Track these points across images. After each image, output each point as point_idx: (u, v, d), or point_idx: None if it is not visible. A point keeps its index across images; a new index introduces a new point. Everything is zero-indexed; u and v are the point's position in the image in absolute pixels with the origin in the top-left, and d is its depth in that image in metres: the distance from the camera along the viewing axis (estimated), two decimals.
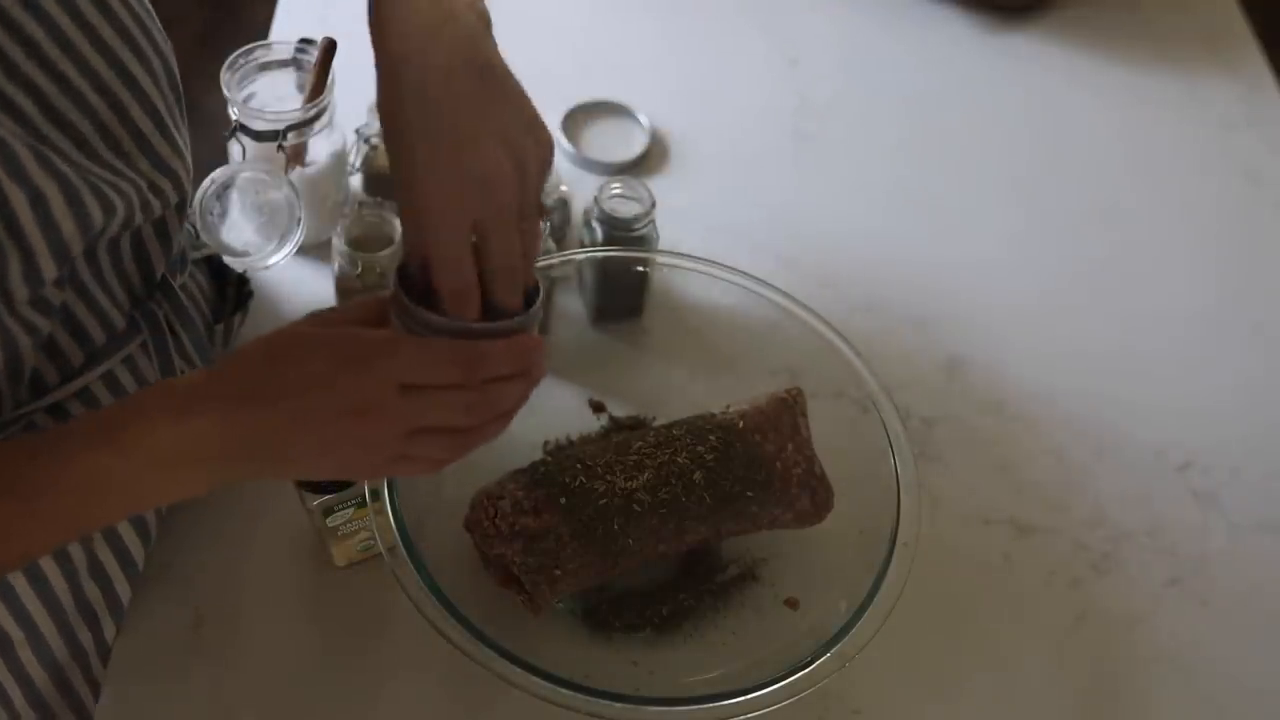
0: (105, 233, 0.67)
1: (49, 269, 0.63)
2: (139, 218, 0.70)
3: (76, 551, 0.75)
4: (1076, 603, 0.88)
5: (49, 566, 0.74)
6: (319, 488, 0.77)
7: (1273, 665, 0.87)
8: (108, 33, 0.67)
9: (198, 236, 0.86)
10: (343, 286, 0.94)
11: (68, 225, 0.63)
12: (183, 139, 0.74)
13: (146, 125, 0.70)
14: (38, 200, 0.61)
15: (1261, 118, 1.22)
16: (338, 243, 0.92)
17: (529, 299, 0.67)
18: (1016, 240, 1.11)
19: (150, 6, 0.72)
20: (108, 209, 0.65)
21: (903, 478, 0.80)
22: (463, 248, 0.63)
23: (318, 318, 0.65)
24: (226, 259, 0.88)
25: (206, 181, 0.85)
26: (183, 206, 0.76)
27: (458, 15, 0.65)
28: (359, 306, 0.66)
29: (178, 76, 0.74)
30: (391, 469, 0.69)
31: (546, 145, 0.66)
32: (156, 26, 0.72)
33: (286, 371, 0.62)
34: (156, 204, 0.71)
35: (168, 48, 0.73)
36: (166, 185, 0.72)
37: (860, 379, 0.84)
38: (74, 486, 0.61)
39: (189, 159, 0.75)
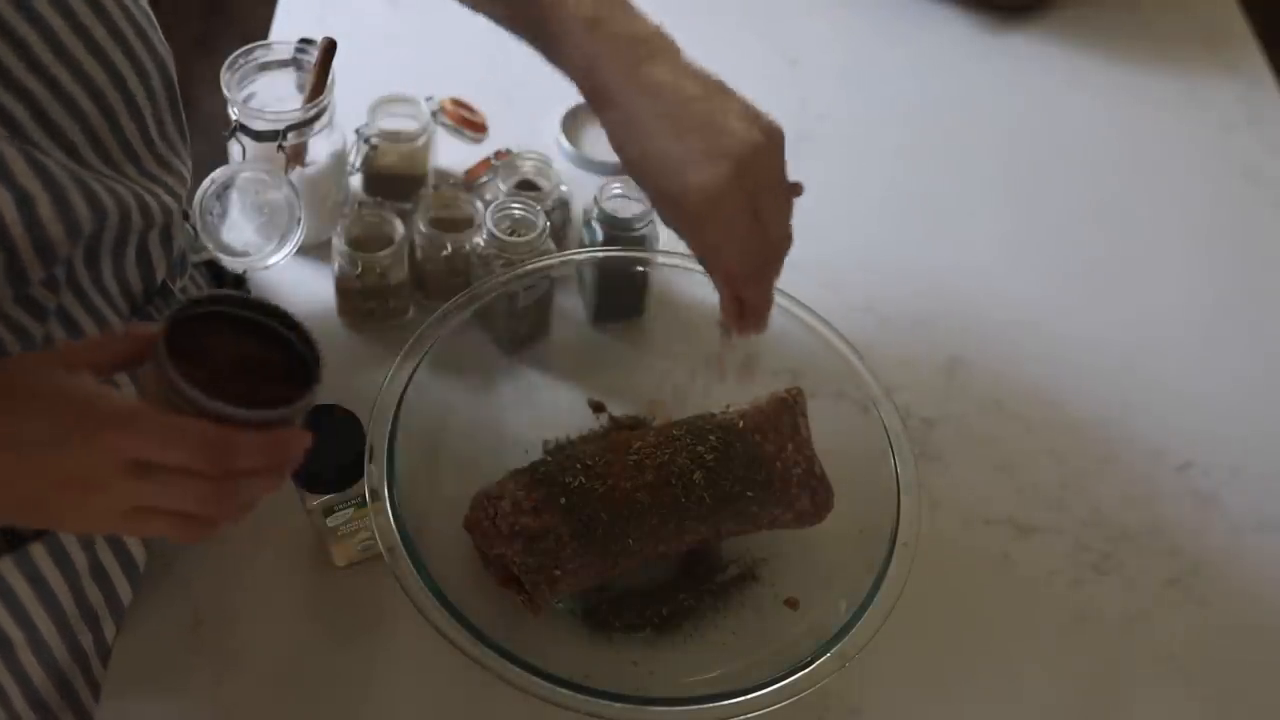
0: (102, 236, 0.67)
1: (34, 269, 0.63)
2: (138, 222, 0.70)
3: (77, 554, 0.75)
4: (1076, 603, 0.88)
5: (48, 569, 0.74)
6: (319, 487, 0.77)
7: (1273, 665, 0.87)
8: (101, 35, 0.67)
9: (197, 238, 0.86)
10: (343, 286, 0.95)
11: (55, 228, 0.63)
12: (183, 144, 0.74)
13: (134, 135, 0.70)
14: (24, 202, 0.61)
15: (1261, 118, 1.22)
16: (338, 243, 0.92)
17: (307, 383, 0.61)
18: (1016, 240, 1.11)
19: (149, 10, 0.72)
20: (98, 211, 0.65)
21: (903, 478, 0.80)
22: (754, 226, 0.64)
23: (63, 355, 0.59)
24: (226, 260, 0.88)
25: (206, 181, 0.85)
26: (183, 213, 0.76)
27: (659, 42, 0.69)
28: (113, 345, 0.60)
29: (175, 82, 0.73)
30: (109, 533, 0.64)
31: (779, 129, 0.68)
32: (155, 32, 0.72)
33: (4, 422, 0.57)
34: (157, 209, 0.71)
35: (166, 53, 0.72)
36: (160, 192, 0.72)
37: (860, 379, 0.84)
38: None
39: (188, 165, 0.75)
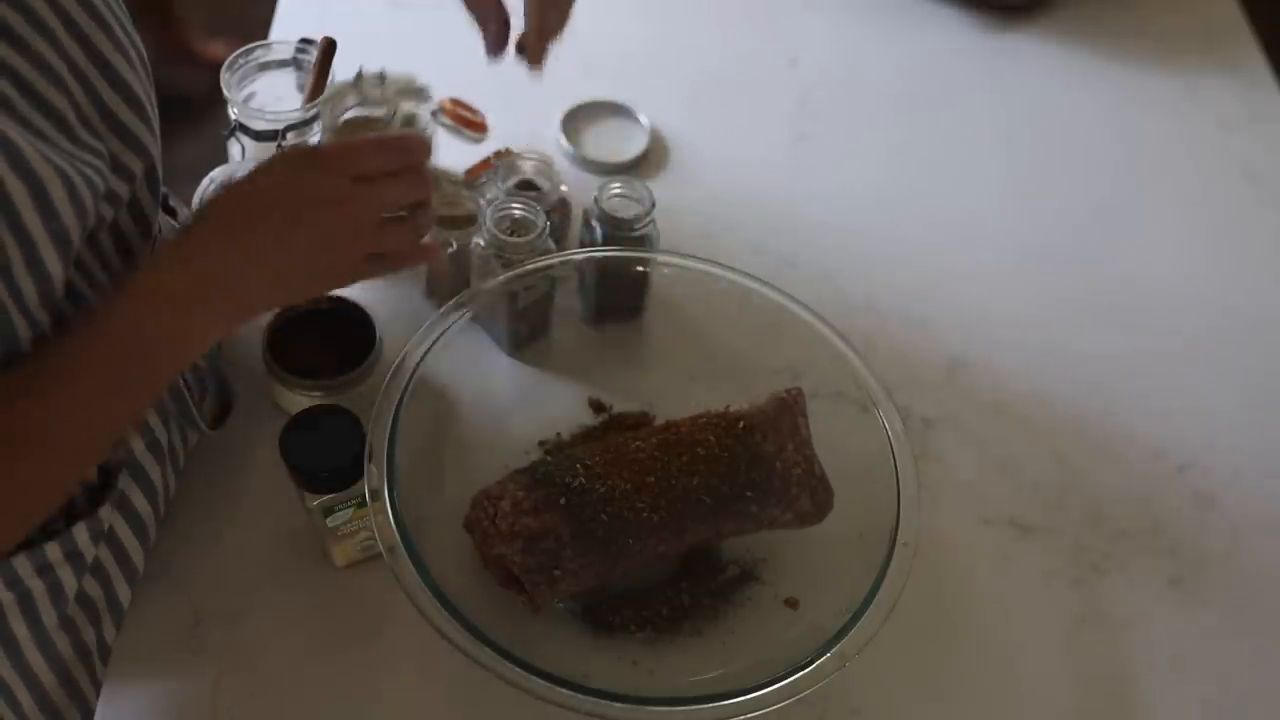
0: (99, 218, 0.67)
1: (51, 261, 0.63)
2: (107, 211, 0.70)
3: (86, 547, 0.75)
4: (1076, 603, 0.88)
5: (57, 560, 0.74)
6: (319, 487, 0.77)
7: (1273, 665, 0.87)
8: (82, 18, 0.67)
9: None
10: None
11: (67, 213, 0.63)
12: (155, 121, 0.74)
13: (121, 108, 0.70)
14: (39, 192, 0.61)
15: (1261, 117, 1.22)
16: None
17: None
18: (1016, 240, 1.11)
19: None
20: (95, 192, 0.66)
21: (903, 478, 0.80)
22: None
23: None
24: None
25: (206, 180, 0.85)
26: (156, 189, 0.76)
27: None
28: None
29: (146, 59, 0.74)
30: (374, 266, 0.74)
31: None
32: (123, 10, 0.72)
33: (258, 193, 0.69)
34: (124, 187, 0.72)
35: (134, 31, 0.73)
36: (138, 166, 0.72)
37: (860, 379, 0.84)
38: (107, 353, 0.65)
39: (159, 141, 0.75)
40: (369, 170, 0.71)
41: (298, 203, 0.69)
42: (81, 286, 0.72)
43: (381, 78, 0.97)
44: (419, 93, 0.99)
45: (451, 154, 1.08)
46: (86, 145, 0.67)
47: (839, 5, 1.28)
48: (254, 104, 0.91)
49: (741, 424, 0.81)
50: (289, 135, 0.90)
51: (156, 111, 0.75)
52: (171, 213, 0.88)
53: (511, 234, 0.91)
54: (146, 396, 0.70)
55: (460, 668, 0.71)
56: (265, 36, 1.06)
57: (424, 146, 0.75)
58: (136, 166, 0.72)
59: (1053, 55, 1.26)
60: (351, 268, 0.73)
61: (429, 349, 0.81)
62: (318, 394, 0.86)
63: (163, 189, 0.81)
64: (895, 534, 0.77)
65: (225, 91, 0.90)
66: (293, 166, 0.70)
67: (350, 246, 0.71)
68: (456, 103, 1.10)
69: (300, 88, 0.94)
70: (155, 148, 0.74)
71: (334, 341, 0.89)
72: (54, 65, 0.66)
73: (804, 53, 1.24)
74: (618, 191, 0.95)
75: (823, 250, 1.06)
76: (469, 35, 0.86)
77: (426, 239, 0.77)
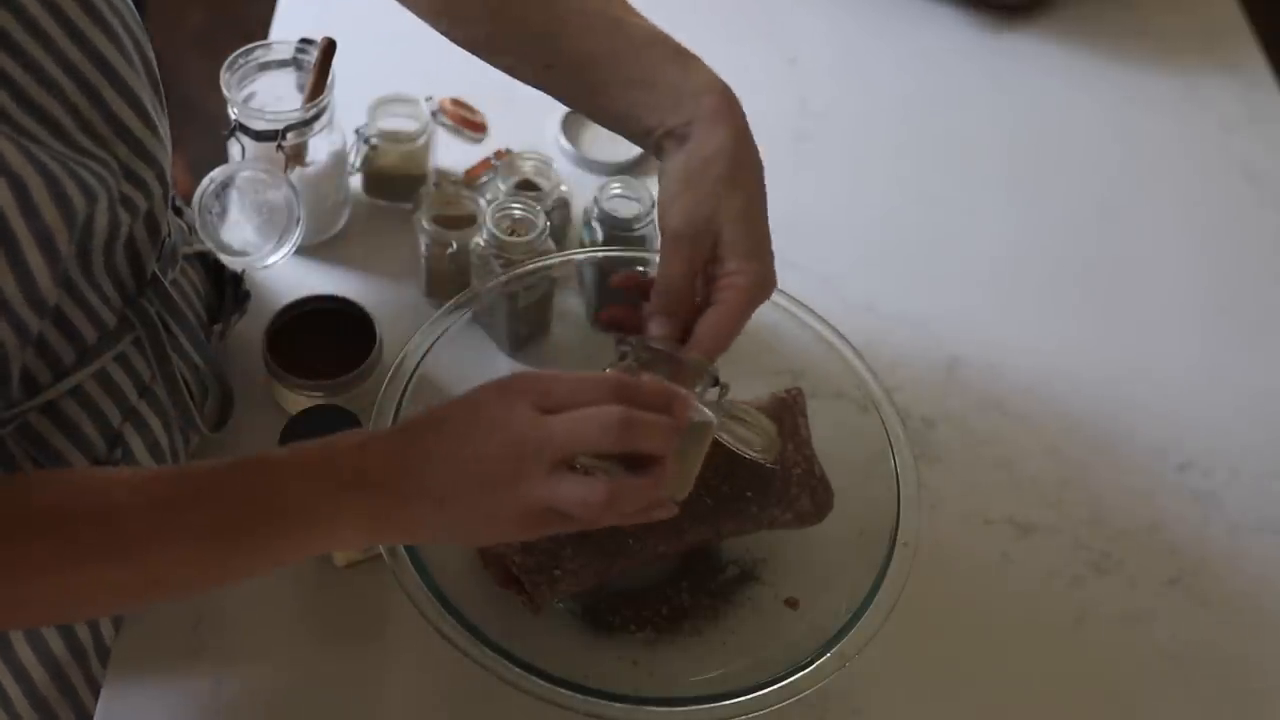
0: (93, 225, 0.67)
1: (35, 261, 0.63)
2: (122, 217, 0.70)
3: None
4: (1076, 603, 0.88)
5: None
6: None
7: (1273, 665, 0.87)
8: (84, 21, 0.67)
9: (191, 232, 0.86)
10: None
11: (50, 213, 0.63)
12: (164, 129, 0.74)
13: (126, 113, 0.70)
14: (20, 190, 0.61)
15: (1261, 117, 1.22)
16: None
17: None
18: (1015, 240, 1.11)
19: None
20: (89, 195, 0.65)
21: (903, 478, 0.80)
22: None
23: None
24: (224, 258, 0.88)
25: (206, 180, 0.85)
26: (167, 196, 0.76)
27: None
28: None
29: (155, 67, 0.73)
30: (545, 521, 0.64)
31: None
32: (134, 17, 0.72)
33: (446, 407, 0.66)
34: (139, 196, 0.71)
35: (145, 38, 0.72)
36: (149, 174, 0.71)
37: (860, 379, 0.84)
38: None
39: (169, 149, 0.75)
40: (568, 402, 0.63)
41: (471, 421, 0.64)
42: (84, 290, 0.72)
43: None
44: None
45: (451, 154, 1.08)
46: (87, 150, 0.67)
47: (838, 5, 1.28)
48: (254, 104, 0.91)
49: None
50: (289, 135, 0.90)
51: (166, 118, 0.75)
52: (178, 212, 0.88)
53: (511, 234, 0.91)
54: (249, 557, 0.65)
55: (460, 668, 0.71)
56: (265, 36, 1.06)
57: (651, 389, 0.65)
58: (147, 174, 0.72)
59: (1053, 55, 1.26)
60: (517, 514, 0.63)
61: (429, 349, 0.81)
62: (318, 394, 0.86)
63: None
64: (895, 534, 0.77)
65: (225, 91, 0.90)
66: (489, 386, 0.65)
67: (514, 485, 0.62)
68: (456, 103, 1.10)
69: (300, 88, 0.94)
70: (165, 156, 0.74)
71: (334, 341, 0.89)
72: (47, 67, 0.65)
73: (803, 52, 1.24)
74: (617, 191, 0.95)
75: (823, 250, 1.06)
76: None
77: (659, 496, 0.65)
